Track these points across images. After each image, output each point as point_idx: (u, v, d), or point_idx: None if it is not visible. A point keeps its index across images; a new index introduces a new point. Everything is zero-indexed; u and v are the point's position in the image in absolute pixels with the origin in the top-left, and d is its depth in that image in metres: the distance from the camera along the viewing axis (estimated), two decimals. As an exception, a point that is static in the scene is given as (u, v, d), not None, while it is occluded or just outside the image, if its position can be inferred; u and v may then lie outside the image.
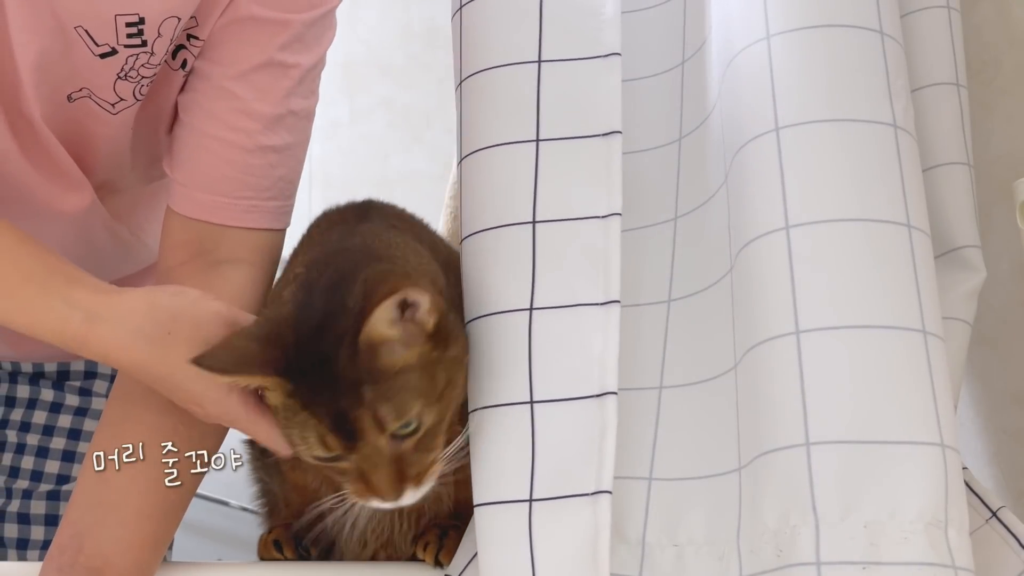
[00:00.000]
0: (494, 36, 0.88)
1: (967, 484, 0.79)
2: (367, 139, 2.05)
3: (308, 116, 0.99)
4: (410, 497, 0.80)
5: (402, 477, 0.79)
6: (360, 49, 2.14)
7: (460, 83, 0.90)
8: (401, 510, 0.91)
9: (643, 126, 0.97)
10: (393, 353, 0.77)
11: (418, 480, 0.80)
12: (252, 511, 1.09)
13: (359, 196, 0.99)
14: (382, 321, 0.76)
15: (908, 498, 0.70)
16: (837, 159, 0.78)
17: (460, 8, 0.91)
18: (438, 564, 0.89)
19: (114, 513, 0.85)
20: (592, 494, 0.75)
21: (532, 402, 0.78)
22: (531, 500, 0.76)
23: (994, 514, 0.83)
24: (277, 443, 0.82)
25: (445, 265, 0.90)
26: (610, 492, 0.75)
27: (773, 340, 0.76)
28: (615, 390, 0.77)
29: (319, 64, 0.98)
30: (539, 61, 0.85)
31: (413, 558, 0.92)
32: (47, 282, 0.80)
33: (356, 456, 0.79)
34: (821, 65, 0.81)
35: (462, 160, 0.88)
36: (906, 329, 0.74)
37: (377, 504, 0.80)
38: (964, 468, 0.78)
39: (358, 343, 0.76)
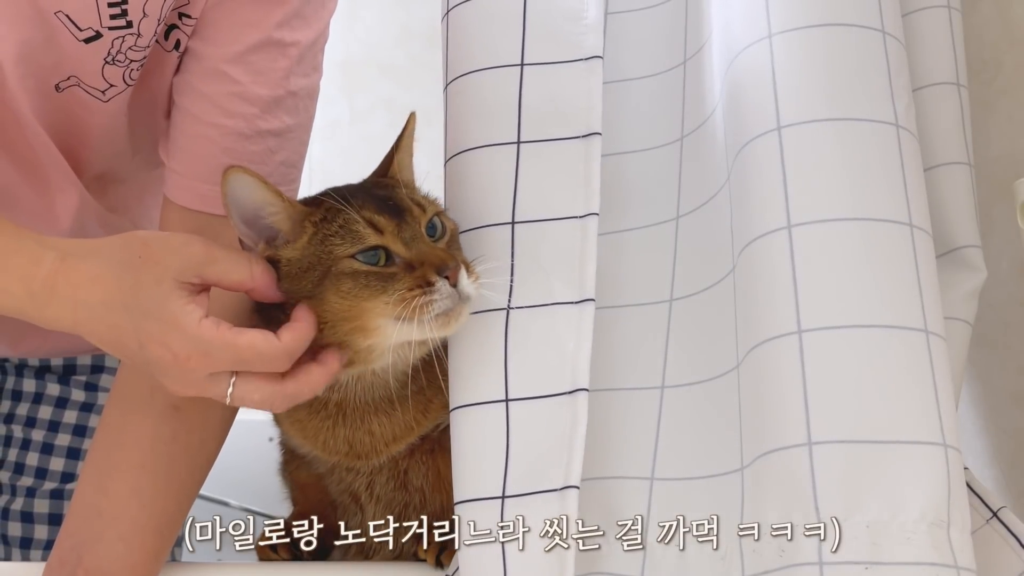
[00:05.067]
0: (478, 40, 0.89)
1: (968, 484, 0.79)
2: (367, 139, 2.05)
3: (310, 95, 0.95)
4: (467, 282, 0.78)
5: (452, 257, 0.79)
6: (360, 49, 2.14)
7: (446, 86, 0.91)
8: (409, 500, 0.92)
9: (644, 125, 0.97)
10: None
11: (468, 268, 0.79)
12: (252, 511, 1.09)
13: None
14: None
15: (911, 498, 0.70)
16: (839, 158, 0.79)
17: (447, 12, 0.92)
18: (439, 565, 0.89)
19: (113, 526, 0.84)
20: (560, 489, 0.76)
21: (507, 400, 0.79)
22: (504, 497, 0.76)
23: (994, 514, 0.83)
24: (262, 342, 0.75)
25: None
26: (578, 487, 0.76)
27: (775, 339, 0.76)
28: (586, 387, 0.78)
29: (320, 39, 0.94)
30: (521, 64, 0.86)
31: (415, 558, 0.92)
32: (18, 231, 0.77)
33: (403, 240, 0.80)
34: (823, 64, 0.81)
35: (447, 162, 0.89)
36: (908, 329, 0.74)
37: (440, 289, 0.77)
38: (964, 468, 0.78)
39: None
